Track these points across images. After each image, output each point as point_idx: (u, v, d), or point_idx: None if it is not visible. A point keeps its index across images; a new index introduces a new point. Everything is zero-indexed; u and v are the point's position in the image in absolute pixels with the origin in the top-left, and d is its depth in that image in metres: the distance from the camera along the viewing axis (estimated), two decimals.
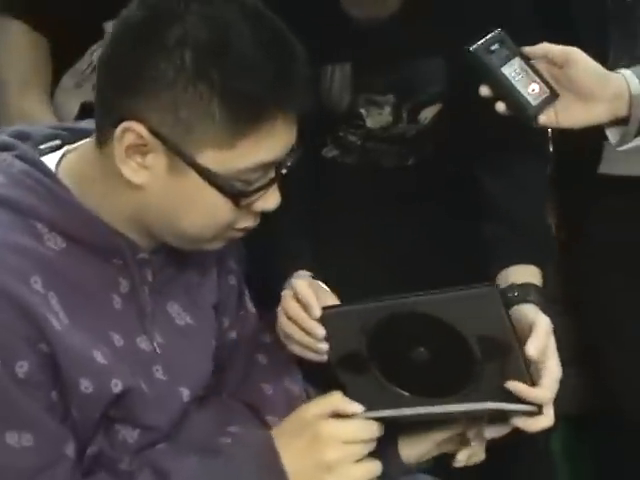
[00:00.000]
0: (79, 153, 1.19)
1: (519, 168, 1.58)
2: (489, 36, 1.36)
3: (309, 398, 1.37)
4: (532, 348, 1.23)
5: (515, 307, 1.38)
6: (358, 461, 1.16)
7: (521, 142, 1.57)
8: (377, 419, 1.19)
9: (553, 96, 1.33)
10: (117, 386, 1.13)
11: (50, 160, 1.18)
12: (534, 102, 1.32)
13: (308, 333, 1.30)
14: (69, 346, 1.09)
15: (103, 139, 1.13)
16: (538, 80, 1.33)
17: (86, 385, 1.10)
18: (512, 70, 1.34)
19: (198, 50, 1.06)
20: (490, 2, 1.55)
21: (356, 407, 1.18)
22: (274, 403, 1.35)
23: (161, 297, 1.22)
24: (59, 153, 1.20)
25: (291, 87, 1.10)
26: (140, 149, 1.10)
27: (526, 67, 1.35)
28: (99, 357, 1.12)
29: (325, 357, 1.31)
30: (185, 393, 1.23)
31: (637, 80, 1.33)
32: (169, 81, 1.06)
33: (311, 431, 1.16)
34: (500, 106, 1.34)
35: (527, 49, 1.35)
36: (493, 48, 1.35)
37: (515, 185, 1.58)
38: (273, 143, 1.11)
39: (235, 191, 1.12)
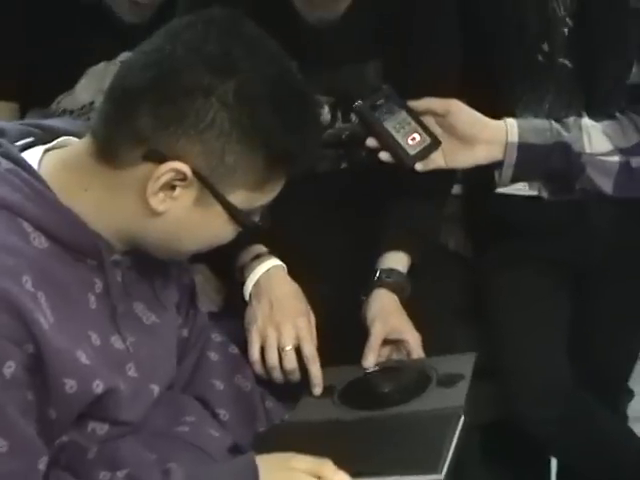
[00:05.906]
0: (63, 157, 1.19)
1: (424, 182, 1.62)
2: (376, 93, 1.51)
3: (267, 410, 1.43)
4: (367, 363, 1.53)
5: (374, 290, 1.60)
6: None
7: None
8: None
9: (435, 143, 1.48)
10: (98, 387, 1.14)
11: (30, 158, 1.17)
12: (412, 151, 1.47)
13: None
14: (55, 346, 1.09)
15: (119, 160, 1.14)
16: (420, 130, 1.48)
17: (71, 385, 1.11)
18: (396, 122, 1.49)
19: (254, 105, 1.11)
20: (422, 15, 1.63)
21: (343, 477, 1.18)
22: (224, 397, 1.39)
23: (128, 297, 1.23)
24: (37, 151, 1.18)
25: (316, 142, 1.24)
26: (174, 184, 1.13)
27: (410, 119, 1.50)
28: (83, 358, 1.12)
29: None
30: (155, 390, 1.26)
31: (517, 130, 1.45)
32: (223, 131, 1.11)
33: None
34: (383, 155, 1.48)
35: (412, 104, 1.49)
36: (379, 103, 1.50)
37: (415, 195, 1.68)
38: (283, 182, 1.21)
39: (250, 222, 1.20)
